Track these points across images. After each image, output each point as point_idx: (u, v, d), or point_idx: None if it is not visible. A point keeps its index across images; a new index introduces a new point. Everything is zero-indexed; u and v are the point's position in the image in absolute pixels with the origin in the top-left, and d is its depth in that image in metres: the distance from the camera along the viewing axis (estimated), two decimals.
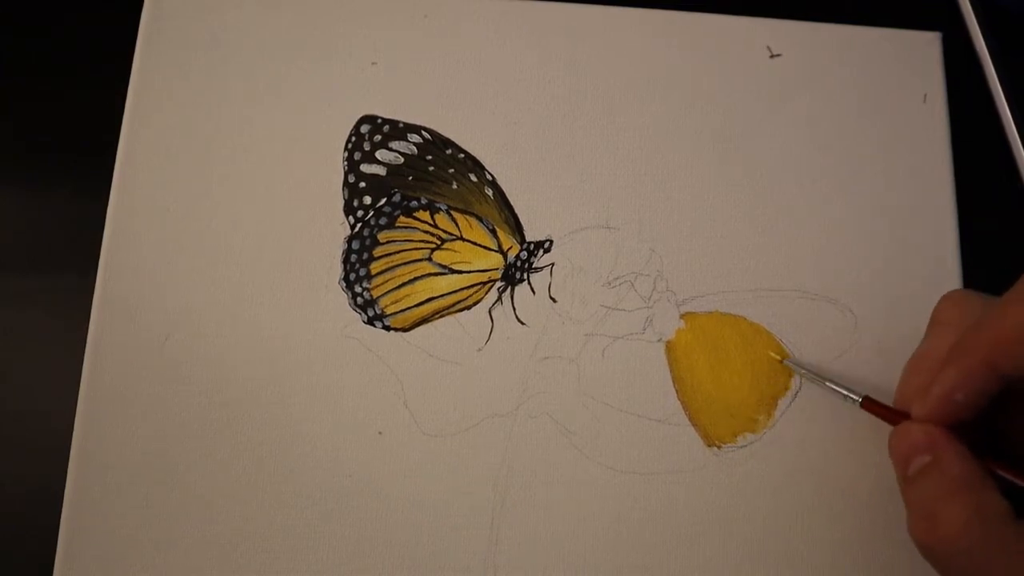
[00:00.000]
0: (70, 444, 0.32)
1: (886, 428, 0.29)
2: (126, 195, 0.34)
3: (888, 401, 0.30)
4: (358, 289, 0.33)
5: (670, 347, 0.33)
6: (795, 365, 0.33)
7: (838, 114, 0.36)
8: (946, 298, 0.30)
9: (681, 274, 0.34)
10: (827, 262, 0.34)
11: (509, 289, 0.34)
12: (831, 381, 0.31)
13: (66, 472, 0.31)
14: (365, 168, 0.35)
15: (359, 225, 0.34)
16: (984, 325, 0.26)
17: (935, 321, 0.30)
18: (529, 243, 0.34)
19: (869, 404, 0.30)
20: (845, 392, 0.31)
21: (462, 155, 0.35)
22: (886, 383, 0.33)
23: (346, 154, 0.35)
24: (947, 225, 0.35)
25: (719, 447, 0.32)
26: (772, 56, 0.37)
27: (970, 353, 0.26)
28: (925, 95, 0.36)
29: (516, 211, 0.34)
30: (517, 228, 0.34)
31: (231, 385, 0.32)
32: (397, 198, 0.34)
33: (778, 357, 0.33)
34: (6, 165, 0.36)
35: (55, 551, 0.31)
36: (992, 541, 0.24)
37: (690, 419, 0.33)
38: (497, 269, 0.34)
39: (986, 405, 0.26)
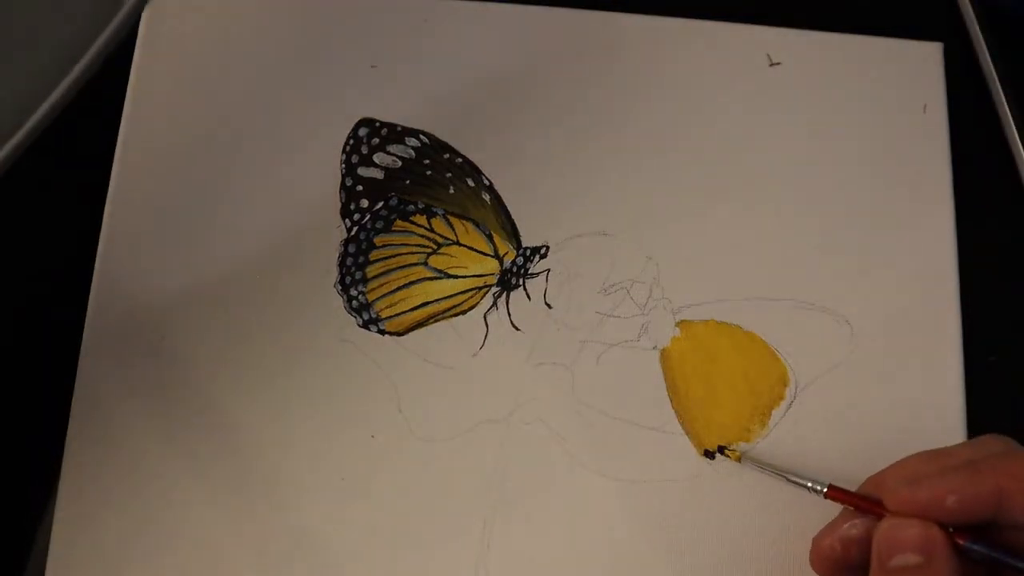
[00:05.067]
0: (63, 445, 0.32)
1: (881, 439, 0.29)
2: (123, 196, 0.34)
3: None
4: (354, 292, 0.33)
5: (665, 355, 0.33)
6: (754, 462, 0.32)
7: (838, 123, 0.36)
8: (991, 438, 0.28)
9: (677, 282, 0.34)
10: (824, 272, 0.34)
11: (505, 294, 0.34)
12: (793, 475, 0.30)
13: (59, 473, 0.31)
14: (362, 171, 0.35)
15: (356, 228, 0.34)
16: (1015, 457, 0.25)
17: (967, 444, 0.29)
18: (525, 248, 0.34)
19: (834, 492, 0.29)
20: (809, 485, 0.29)
21: (460, 160, 0.35)
22: (881, 395, 0.33)
23: (344, 157, 0.35)
24: (946, 236, 0.35)
25: (713, 456, 0.32)
26: (772, 64, 0.37)
27: (984, 472, 0.25)
28: (925, 105, 0.36)
29: (513, 216, 0.34)
30: (513, 233, 0.34)
31: (226, 387, 0.32)
32: (394, 202, 0.34)
33: (735, 455, 0.32)
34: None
35: (47, 551, 0.31)
36: None
37: (684, 427, 0.32)
38: (493, 274, 0.34)
39: (967, 522, 0.25)
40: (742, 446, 0.32)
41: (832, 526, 0.29)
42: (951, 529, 0.25)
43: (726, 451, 0.32)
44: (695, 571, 0.31)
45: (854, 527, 0.28)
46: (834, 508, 0.29)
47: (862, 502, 0.28)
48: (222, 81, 0.36)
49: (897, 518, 0.26)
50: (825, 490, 0.29)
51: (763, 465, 0.31)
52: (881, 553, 0.26)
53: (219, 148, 0.35)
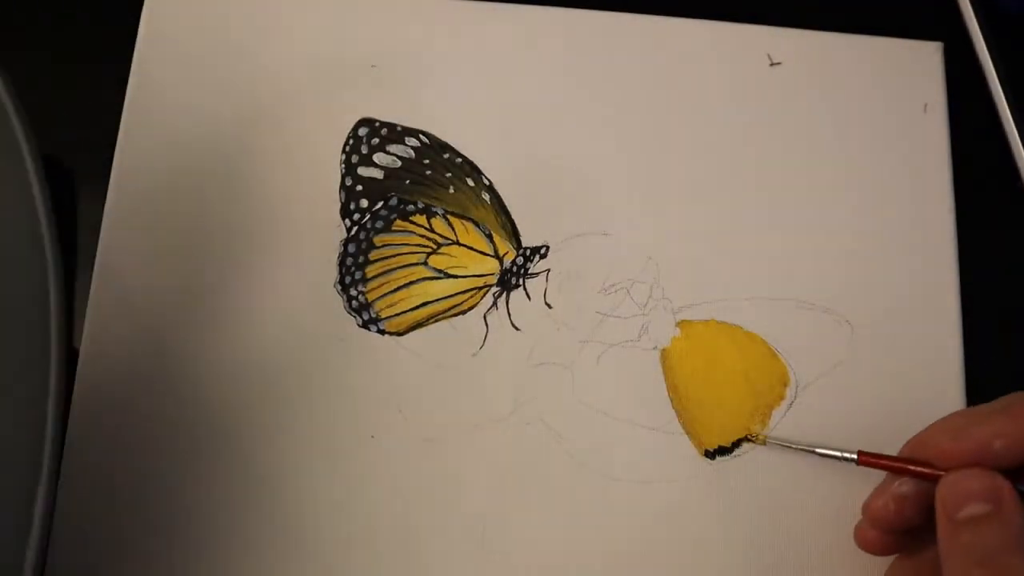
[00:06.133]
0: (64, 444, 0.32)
1: (882, 439, 0.29)
2: (123, 196, 0.34)
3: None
4: (353, 292, 0.33)
5: (665, 355, 0.33)
6: (778, 441, 0.32)
7: (838, 123, 0.36)
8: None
9: (677, 282, 0.34)
10: (824, 272, 0.34)
11: (504, 294, 0.34)
12: (821, 448, 0.31)
13: (59, 473, 0.31)
14: (362, 171, 0.35)
15: (355, 228, 0.34)
16: None
17: (995, 401, 0.28)
18: (525, 248, 0.34)
19: (865, 458, 0.29)
20: (839, 455, 0.30)
21: (459, 159, 0.35)
22: (883, 394, 0.33)
23: (343, 157, 0.35)
24: (946, 236, 0.35)
25: (713, 456, 0.32)
26: (772, 64, 0.37)
27: (1022, 413, 0.26)
28: (925, 105, 0.36)
29: (513, 216, 0.34)
30: (513, 233, 0.34)
31: (225, 387, 0.32)
32: (394, 202, 0.34)
33: (760, 437, 0.32)
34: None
35: (47, 550, 0.31)
36: None
37: (684, 427, 0.32)
38: (493, 274, 0.34)
39: (1014, 465, 0.26)
40: (744, 446, 0.32)
41: (881, 488, 0.29)
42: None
43: (750, 438, 0.32)
44: (695, 571, 0.31)
45: (904, 484, 0.28)
46: (835, 514, 0.29)
47: (893, 463, 0.28)
48: (221, 80, 0.35)
49: (959, 471, 0.26)
50: (856, 457, 0.29)
51: (790, 443, 0.32)
52: (948, 507, 0.26)
53: (219, 148, 0.35)
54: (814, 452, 0.31)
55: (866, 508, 0.29)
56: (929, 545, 0.28)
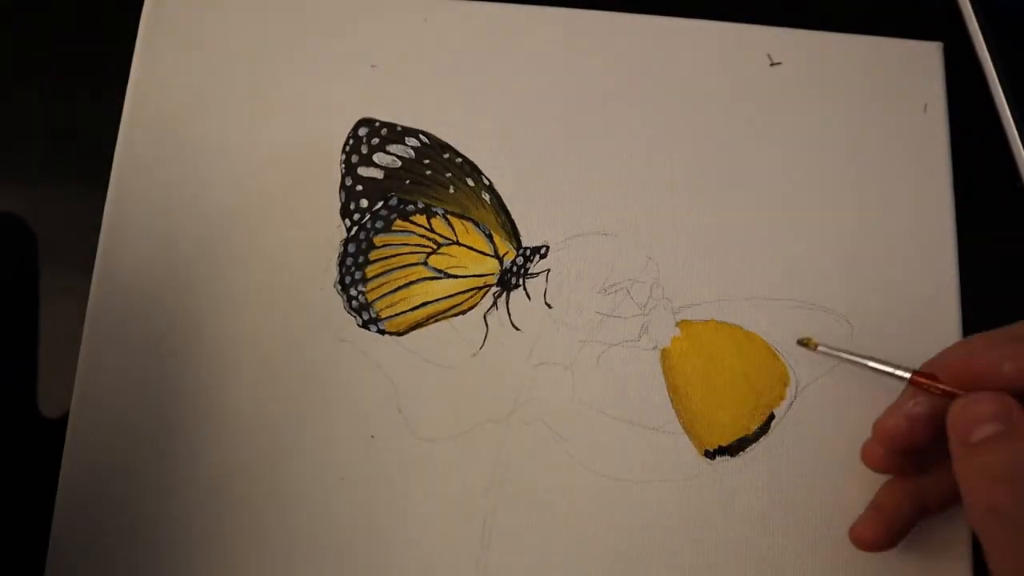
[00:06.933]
0: (63, 444, 0.32)
1: None
2: (123, 196, 0.34)
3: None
4: (353, 292, 0.33)
5: (665, 355, 0.33)
6: (831, 350, 0.32)
7: (838, 123, 0.36)
8: None
9: (677, 282, 0.34)
10: (824, 272, 0.34)
11: (504, 294, 0.34)
12: (874, 361, 0.31)
13: (58, 474, 0.31)
14: (362, 171, 0.35)
15: (355, 228, 0.34)
16: None
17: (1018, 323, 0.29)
18: (525, 248, 0.34)
19: (919, 378, 0.29)
20: (891, 370, 0.30)
21: (459, 159, 0.35)
22: (884, 392, 0.33)
23: (344, 157, 0.35)
24: (946, 235, 0.35)
25: (713, 456, 0.32)
26: (772, 64, 0.37)
27: None
28: (925, 105, 0.36)
29: (513, 216, 0.34)
30: (513, 233, 0.34)
31: (225, 388, 0.32)
32: (394, 201, 0.34)
33: (812, 342, 0.32)
34: (5, 164, 0.36)
35: (46, 551, 0.31)
36: None
37: (684, 427, 0.32)
38: (493, 274, 0.34)
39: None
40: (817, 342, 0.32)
41: (896, 406, 0.30)
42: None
43: (802, 342, 0.32)
44: (695, 571, 0.31)
45: (918, 404, 0.29)
46: (835, 513, 0.30)
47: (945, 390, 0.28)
48: (222, 81, 0.36)
49: (968, 395, 0.27)
50: (909, 376, 0.29)
51: (840, 351, 0.31)
52: (960, 431, 0.26)
53: (219, 147, 0.35)
54: (867, 365, 0.31)
55: (877, 426, 0.30)
56: (929, 468, 0.29)
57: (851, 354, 0.31)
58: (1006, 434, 0.26)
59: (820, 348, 0.32)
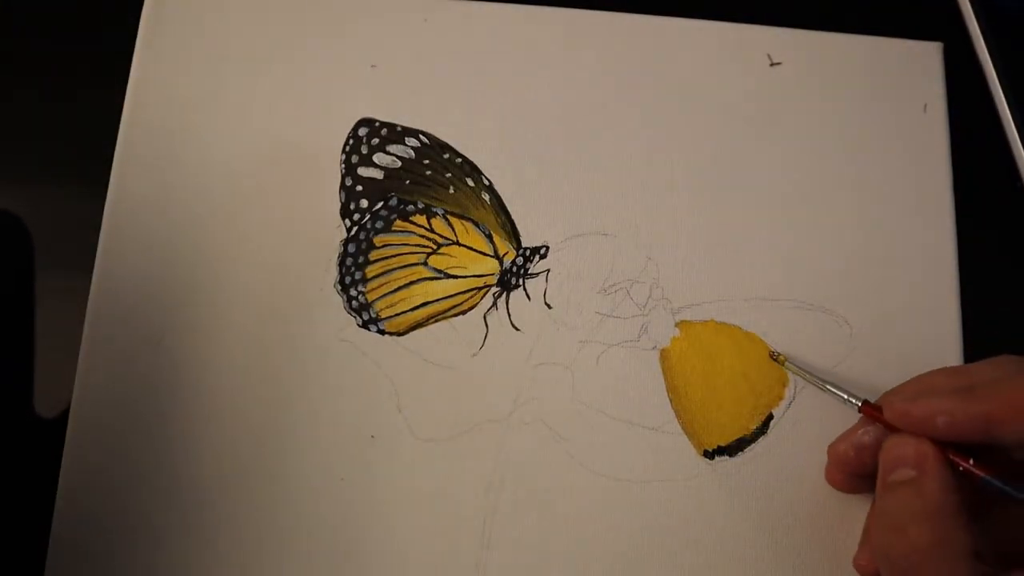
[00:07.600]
0: (63, 444, 0.32)
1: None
2: (123, 196, 0.34)
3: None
4: (353, 292, 0.33)
5: (665, 355, 0.33)
6: (796, 368, 0.32)
7: (838, 123, 0.36)
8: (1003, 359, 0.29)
9: (677, 282, 0.34)
10: (824, 272, 0.34)
11: (504, 294, 0.34)
12: (831, 385, 0.31)
13: (58, 474, 0.31)
14: (362, 171, 0.35)
15: (355, 228, 0.34)
16: (1013, 383, 0.26)
17: (985, 362, 0.29)
18: (525, 249, 0.34)
19: (868, 409, 0.30)
20: (845, 396, 0.31)
21: (459, 160, 0.35)
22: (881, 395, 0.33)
23: (344, 157, 0.35)
24: (945, 236, 0.35)
25: (713, 456, 0.32)
26: (772, 64, 0.37)
27: (978, 397, 0.26)
28: (925, 105, 0.36)
29: (512, 216, 0.34)
30: (513, 233, 0.34)
31: (225, 388, 0.32)
32: (394, 202, 0.34)
33: (781, 357, 0.33)
34: (5, 164, 0.36)
35: (46, 550, 0.31)
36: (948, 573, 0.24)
37: (684, 427, 0.32)
38: (493, 274, 0.34)
39: (960, 441, 0.26)
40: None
41: (847, 433, 0.30)
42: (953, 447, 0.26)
43: (773, 356, 0.33)
44: (695, 571, 0.31)
45: (867, 434, 0.30)
46: (834, 513, 0.30)
47: (889, 423, 0.28)
48: (222, 81, 0.36)
49: (897, 436, 0.27)
50: (860, 404, 0.30)
51: (804, 370, 0.32)
52: (884, 468, 0.27)
53: (219, 148, 0.35)
54: (825, 388, 0.31)
55: (829, 450, 0.31)
56: None
57: (811, 374, 0.32)
58: (914, 482, 0.26)
59: (787, 365, 0.33)
